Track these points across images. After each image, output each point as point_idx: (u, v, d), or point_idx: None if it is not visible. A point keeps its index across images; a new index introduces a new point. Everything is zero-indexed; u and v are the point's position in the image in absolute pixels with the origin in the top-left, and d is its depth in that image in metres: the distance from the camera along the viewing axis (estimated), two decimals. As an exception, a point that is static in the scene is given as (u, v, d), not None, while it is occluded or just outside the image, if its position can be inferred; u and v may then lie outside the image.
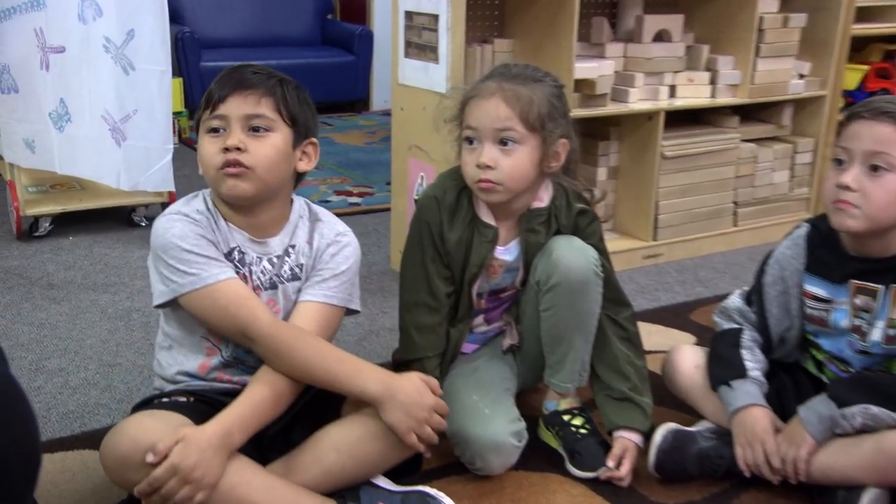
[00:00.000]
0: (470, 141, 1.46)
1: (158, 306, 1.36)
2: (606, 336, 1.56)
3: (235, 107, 1.30)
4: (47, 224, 2.75)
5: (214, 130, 1.31)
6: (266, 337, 1.29)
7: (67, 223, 2.81)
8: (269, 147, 1.31)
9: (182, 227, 1.32)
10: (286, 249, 1.39)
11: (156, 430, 1.20)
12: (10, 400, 0.93)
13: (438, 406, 1.30)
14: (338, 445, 1.30)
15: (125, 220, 2.90)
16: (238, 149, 1.29)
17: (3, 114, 2.66)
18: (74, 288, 2.35)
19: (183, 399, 1.34)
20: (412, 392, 1.28)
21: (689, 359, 1.61)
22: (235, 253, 1.36)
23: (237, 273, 1.35)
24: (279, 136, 1.32)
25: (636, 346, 1.59)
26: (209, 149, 1.31)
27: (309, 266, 1.40)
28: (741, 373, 1.48)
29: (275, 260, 1.38)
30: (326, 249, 1.40)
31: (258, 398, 1.28)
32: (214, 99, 1.31)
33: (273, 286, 1.39)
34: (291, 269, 1.40)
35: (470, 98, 1.46)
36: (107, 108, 2.49)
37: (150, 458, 1.17)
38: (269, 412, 1.29)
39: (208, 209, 1.36)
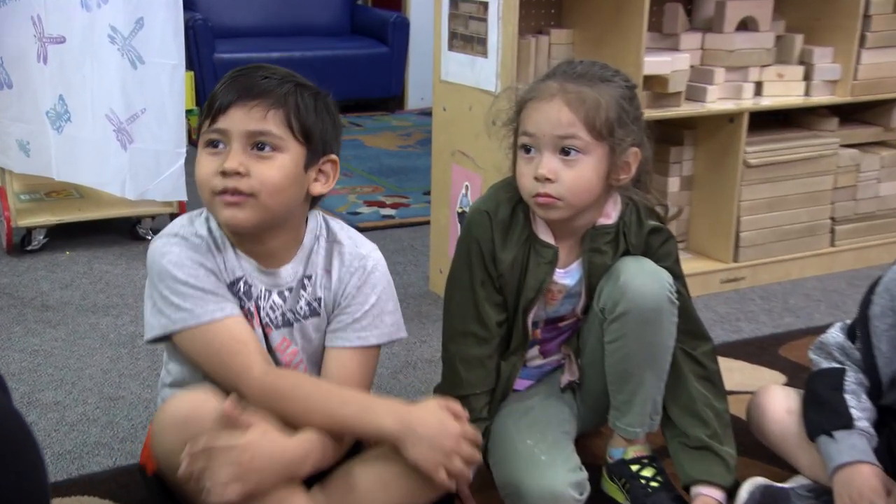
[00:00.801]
0: (527, 149, 1.47)
1: (151, 342, 1.36)
2: (682, 374, 1.55)
3: (238, 121, 1.27)
4: (41, 237, 2.81)
5: (213, 144, 1.30)
6: (257, 391, 1.30)
7: (64, 236, 2.88)
8: (275, 170, 1.28)
9: (178, 252, 1.32)
10: (301, 281, 1.39)
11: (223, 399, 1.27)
12: (15, 442, 0.95)
13: (467, 433, 1.30)
14: (358, 486, 1.32)
15: (129, 232, 2.96)
16: (238, 173, 1.27)
17: (-5, 113, 2.74)
18: (72, 310, 2.40)
19: None
20: (433, 422, 1.28)
21: (780, 402, 1.59)
22: (241, 284, 1.36)
23: (242, 308, 1.35)
24: (287, 158, 1.30)
25: (717, 387, 1.58)
26: (206, 167, 1.30)
27: (329, 301, 1.40)
28: (847, 422, 1.45)
29: (286, 293, 1.39)
30: (350, 281, 1.39)
31: (321, 434, 1.30)
32: (215, 108, 1.29)
33: (287, 323, 1.39)
34: (309, 304, 1.40)
35: (527, 100, 1.47)
36: (112, 107, 2.55)
37: (229, 404, 1.21)
38: (332, 452, 1.31)
39: (210, 232, 1.36)
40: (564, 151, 1.43)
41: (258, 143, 1.28)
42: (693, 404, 1.54)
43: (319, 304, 1.40)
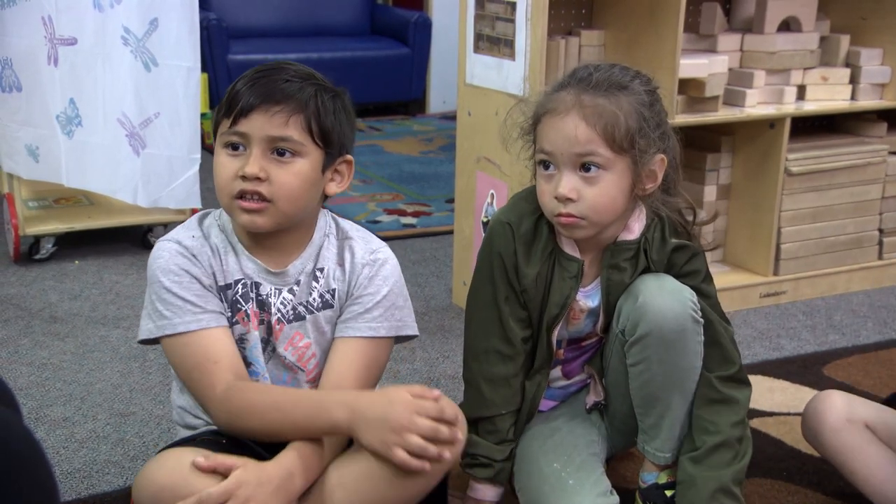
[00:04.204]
0: (546, 165, 1.47)
1: (141, 342, 1.44)
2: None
3: (259, 126, 1.34)
4: (50, 245, 2.86)
5: (233, 147, 1.37)
6: (218, 410, 1.35)
7: (73, 244, 2.92)
8: (293, 176, 1.36)
9: (168, 258, 1.39)
10: (312, 274, 1.45)
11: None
12: (27, 462, 0.97)
13: (424, 409, 1.28)
14: (344, 482, 1.34)
15: (140, 241, 3.00)
16: (258, 178, 1.34)
17: (2, 116, 2.78)
18: (81, 322, 2.43)
19: (214, 439, 1.40)
20: (381, 403, 1.30)
21: (840, 410, 1.55)
22: (238, 287, 1.42)
23: (238, 310, 1.41)
24: (306, 163, 1.37)
25: (731, 411, 1.51)
26: (226, 168, 1.37)
27: (343, 291, 1.46)
28: None
29: (295, 288, 1.44)
30: (362, 272, 1.45)
31: (311, 445, 1.33)
32: (236, 110, 1.35)
33: (299, 317, 1.44)
34: (322, 296, 1.45)
35: (543, 114, 1.46)
36: (124, 111, 2.59)
37: (200, 460, 1.24)
38: (316, 462, 1.34)
39: (204, 234, 1.43)
40: (585, 168, 1.43)
41: (278, 149, 1.35)
42: (691, 429, 1.53)
43: (333, 296, 1.45)
